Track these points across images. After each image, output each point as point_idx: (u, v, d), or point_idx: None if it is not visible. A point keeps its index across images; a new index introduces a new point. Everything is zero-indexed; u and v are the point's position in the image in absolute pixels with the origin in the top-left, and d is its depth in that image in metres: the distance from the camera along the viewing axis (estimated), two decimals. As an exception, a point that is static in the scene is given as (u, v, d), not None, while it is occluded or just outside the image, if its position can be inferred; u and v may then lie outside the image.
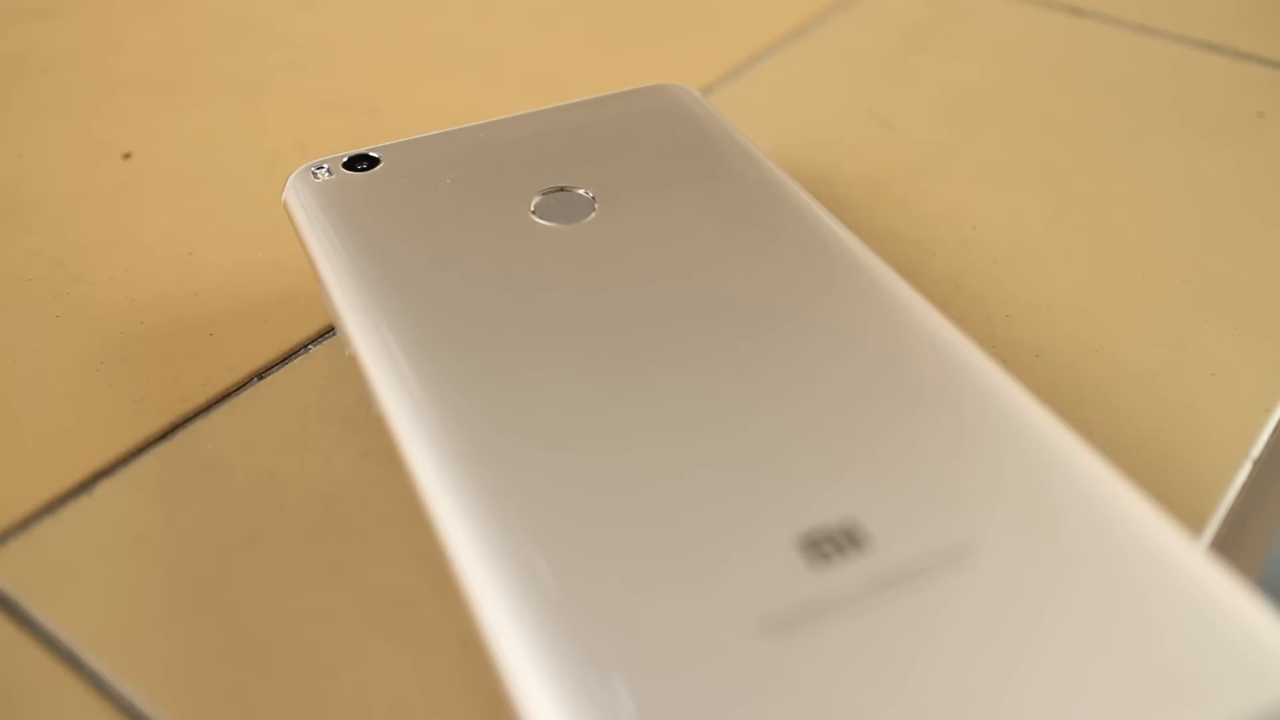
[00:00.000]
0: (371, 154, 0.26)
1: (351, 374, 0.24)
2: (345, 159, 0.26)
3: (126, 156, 0.33)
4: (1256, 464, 0.23)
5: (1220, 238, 0.29)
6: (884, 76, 0.36)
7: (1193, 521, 0.22)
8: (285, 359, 0.26)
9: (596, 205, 0.25)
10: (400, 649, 0.20)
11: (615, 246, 0.23)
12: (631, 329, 0.21)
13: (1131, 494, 0.18)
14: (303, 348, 0.26)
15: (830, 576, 0.17)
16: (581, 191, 0.25)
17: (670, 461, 0.19)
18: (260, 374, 0.26)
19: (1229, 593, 0.17)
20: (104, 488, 0.23)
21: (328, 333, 0.27)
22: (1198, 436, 0.23)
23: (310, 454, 0.23)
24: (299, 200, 0.25)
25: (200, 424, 0.24)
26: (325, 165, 0.26)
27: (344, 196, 0.25)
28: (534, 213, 0.24)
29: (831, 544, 0.17)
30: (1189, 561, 0.17)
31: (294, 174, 0.26)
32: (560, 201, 0.25)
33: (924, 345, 0.21)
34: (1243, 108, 0.34)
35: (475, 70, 0.37)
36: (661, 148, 0.26)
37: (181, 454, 0.24)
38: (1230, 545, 0.23)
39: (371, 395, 0.21)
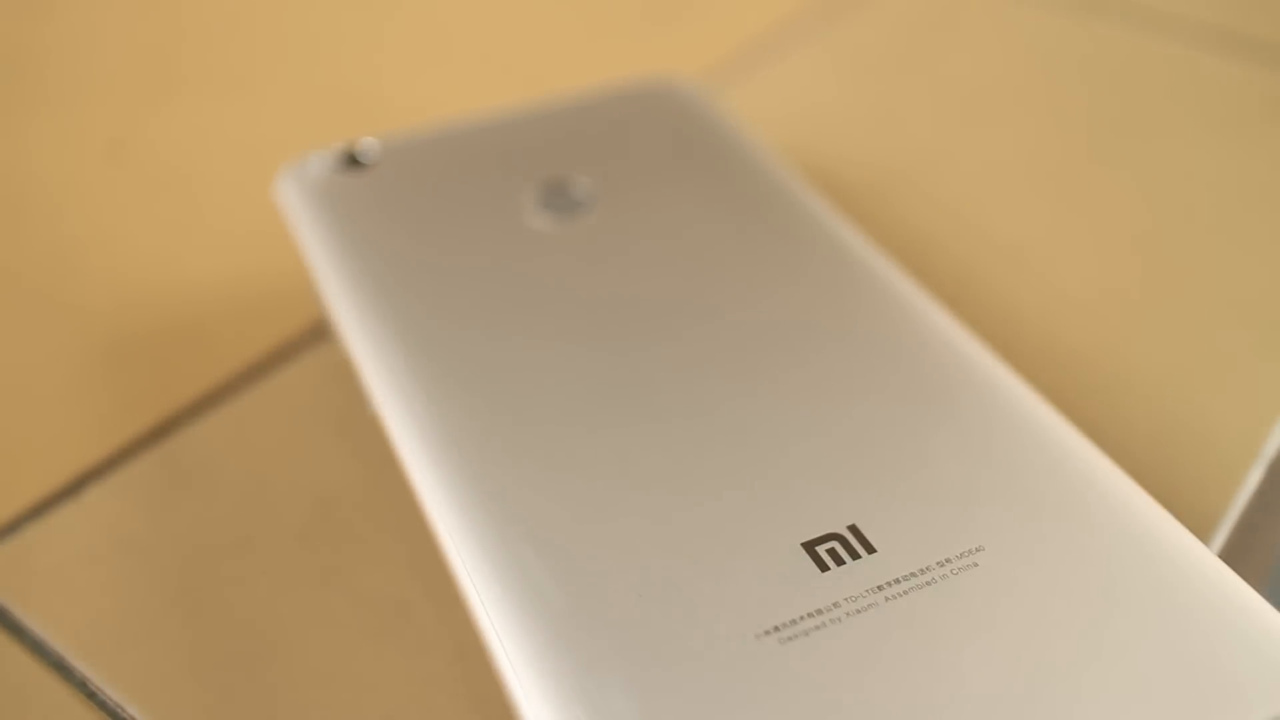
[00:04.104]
0: (366, 148, 0.26)
1: (345, 374, 0.23)
2: (339, 153, 0.26)
3: (116, 153, 0.33)
4: (1270, 466, 0.22)
5: (1232, 236, 0.29)
6: (891, 71, 0.36)
7: (1204, 524, 0.21)
8: (277, 359, 0.26)
9: (596, 203, 0.24)
10: (394, 655, 0.20)
11: (615, 246, 0.23)
12: (632, 330, 0.21)
13: (1141, 496, 0.18)
14: (295, 347, 0.26)
15: (838, 582, 0.17)
16: (580, 189, 0.25)
17: (673, 463, 0.18)
18: (251, 374, 0.25)
19: (1240, 598, 0.16)
20: (92, 490, 0.23)
21: (321, 332, 0.26)
22: (1209, 438, 0.23)
23: (302, 456, 0.23)
24: (292, 196, 0.25)
25: (191, 425, 0.24)
26: (319, 160, 0.25)
27: (338, 192, 0.25)
28: (531, 209, 0.24)
29: (840, 549, 0.17)
30: (1200, 566, 0.17)
31: (287, 169, 0.25)
32: (558, 199, 0.24)
33: (931, 344, 0.21)
34: (1255, 104, 0.34)
35: (472, 60, 0.37)
36: (661, 143, 0.26)
37: (172, 456, 0.23)
38: (1242, 549, 0.22)
39: (368, 395, 0.20)
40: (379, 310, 0.22)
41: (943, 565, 0.17)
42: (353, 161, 0.25)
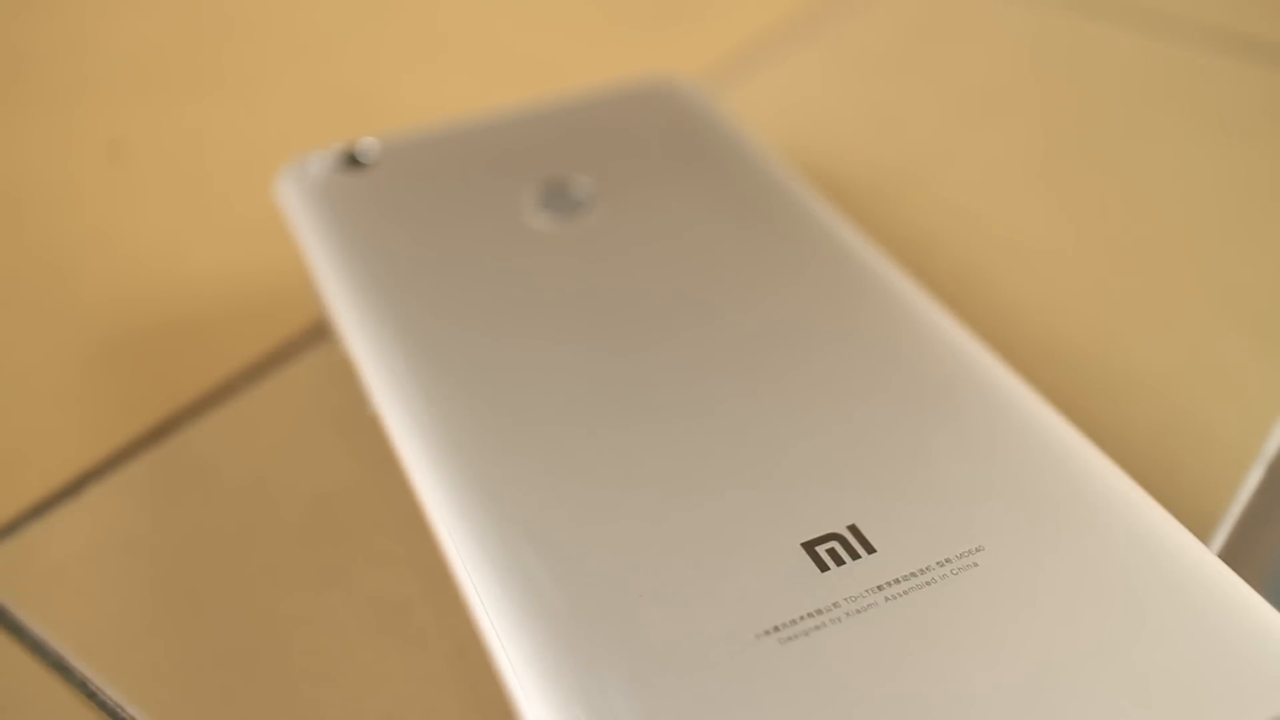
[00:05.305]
0: (366, 148, 0.26)
1: (345, 374, 0.23)
2: (339, 153, 0.25)
3: (116, 153, 0.33)
4: (1270, 466, 0.22)
5: (1233, 235, 0.29)
6: (891, 71, 0.36)
7: (1204, 524, 0.21)
8: (277, 358, 0.26)
9: (596, 203, 0.24)
10: (394, 655, 0.20)
11: (615, 246, 0.23)
12: (632, 330, 0.21)
13: (1141, 496, 0.18)
14: (295, 347, 0.26)
15: (838, 582, 0.17)
16: (580, 189, 0.25)
17: (672, 463, 0.18)
18: (252, 374, 0.25)
19: (1240, 598, 0.16)
20: (92, 490, 0.23)
21: (321, 332, 0.26)
22: (1209, 437, 0.23)
23: (302, 455, 0.23)
24: (292, 196, 0.25)
25: (190, 425, 0.24)
26: (319, 160, 0.25)
27: (338, 192, 0.25)
28: (531, 209, 0.24)
29: (840, 549, 0.17)
30: (1200, 566, 0.17)
31: (288, 169, 0.25)
32: (558, 199, 0.24)
33: (931, 344, 0.21)
34: (1255, 104, 0.34)
35: (472, 61, 0.37)
36: (662, 143, 0.26)
37: (171, 455, 0.23)
38: (1242, 549, 0.22)
39: (368, 395, 0.20)
40: (379, 310, 0.22)
41: (942, 565, 0.17)
42: (353, 161, 0.25)
